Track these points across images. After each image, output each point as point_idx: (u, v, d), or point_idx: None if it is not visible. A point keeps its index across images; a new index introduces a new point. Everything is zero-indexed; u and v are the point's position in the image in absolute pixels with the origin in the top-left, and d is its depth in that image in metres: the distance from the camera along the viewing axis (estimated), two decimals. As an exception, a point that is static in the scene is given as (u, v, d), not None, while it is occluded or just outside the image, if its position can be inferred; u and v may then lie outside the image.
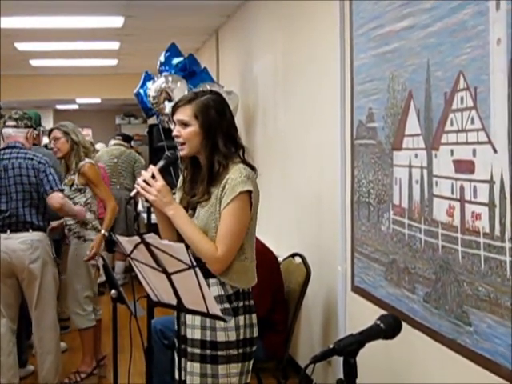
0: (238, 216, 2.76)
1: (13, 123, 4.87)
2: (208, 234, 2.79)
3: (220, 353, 2.79)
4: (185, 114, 2.85)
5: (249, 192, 2.76)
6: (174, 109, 2.90)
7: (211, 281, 2.80)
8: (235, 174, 2.77)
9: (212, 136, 2.82)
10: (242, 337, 2.82)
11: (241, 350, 2.82)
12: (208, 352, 2.80)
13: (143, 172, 2.87)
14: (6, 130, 4.89)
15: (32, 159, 4.73)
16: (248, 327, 2.84)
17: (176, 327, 2.83)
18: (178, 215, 2.82)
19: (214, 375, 2.80)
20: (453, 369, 2.82)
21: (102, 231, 5.06)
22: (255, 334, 2.88)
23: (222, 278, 2.81)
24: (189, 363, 2.82)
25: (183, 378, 2.80)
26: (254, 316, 2.90)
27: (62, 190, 4.76)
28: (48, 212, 4.79)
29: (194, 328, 2.83)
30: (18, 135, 4.85)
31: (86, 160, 5.12)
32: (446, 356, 2.84)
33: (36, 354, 4.91)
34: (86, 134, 15.68)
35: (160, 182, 2.82)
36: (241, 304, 2.84)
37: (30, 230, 4.66)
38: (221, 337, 2.79)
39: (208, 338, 2.80)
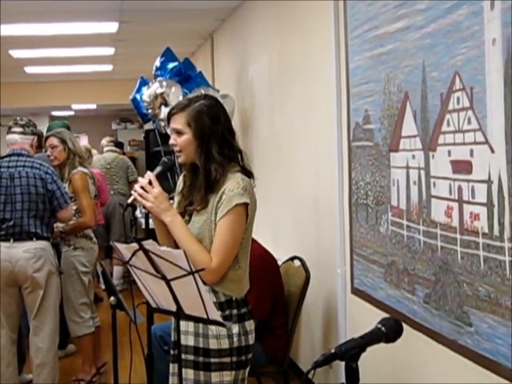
0: (232, 229, 2.73)
1: (19, 129, 4.74)
2: (202, 243, 2.77)
3: (213, 360, 2.77)
4: (178, 122, 2.82)
5: (245, 204, 2.74)
6: (169, 117, 2.89)
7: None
8: (233, 185, 2.74)
9: (206, 144, 2.78)
10: (235, 345, 2.78)
11: (234, 358, 2.79)
12: (201, 359, 2.78)
13: (140, 178, 2.85)
14: (12, 136, 4.75)
15: (39, 169, 4.63)
16: (242, 335, 2.80)
17: (175, 333, 2.82)
18: (174, 222, 2.80)
19: (207, 382, 2.77)
20: (454, 369, 2.82)
21: (60, 229, 4.98)
22: (251, 342, 2.84)
23: (216, 287, 2.78)
24: (183, 369, 2.78)
25: None
26: (250, 323, 2.85)
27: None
28: (52, 223, 4.73)
29: (187, 334, 2.81)
30: (25, 142, 4.74)
31: (79, 169, 5.07)
32: (447, 357, 2.83)
33: (32, 364, 4.75)
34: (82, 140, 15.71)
35: (157, 188, 2.81)
36: (234, 312, 2.81)
37: (34, 239, 4.57)
38: (213, 344, 2.77)
39: (201, 345, 2.78)
